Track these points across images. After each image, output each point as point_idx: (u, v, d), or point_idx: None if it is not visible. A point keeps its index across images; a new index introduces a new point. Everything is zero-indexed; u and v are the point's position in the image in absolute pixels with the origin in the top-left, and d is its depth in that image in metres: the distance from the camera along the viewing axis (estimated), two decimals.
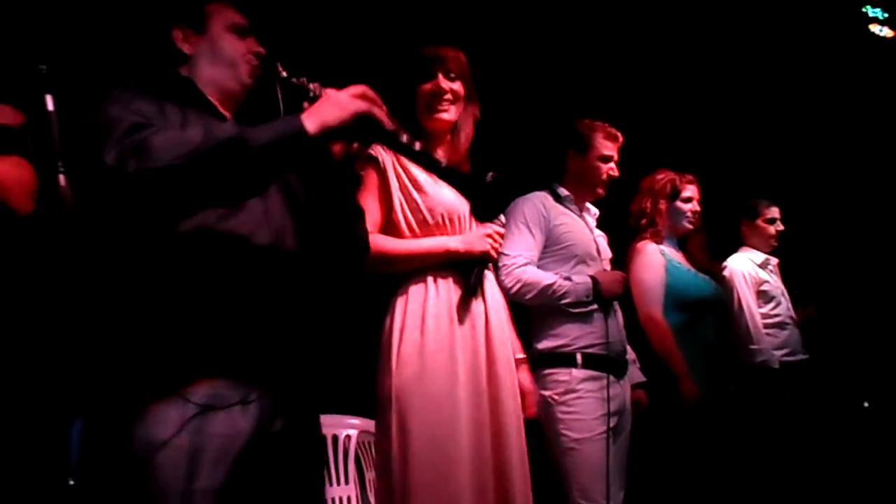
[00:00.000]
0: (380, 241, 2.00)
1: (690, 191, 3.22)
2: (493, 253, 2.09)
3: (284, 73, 1.57)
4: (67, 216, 1.16)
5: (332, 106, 1.40)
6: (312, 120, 1.37)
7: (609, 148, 2.74)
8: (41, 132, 1.20)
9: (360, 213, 1.71)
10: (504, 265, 2.47)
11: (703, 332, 3.11)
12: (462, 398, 1.92)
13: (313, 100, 1.48)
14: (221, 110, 1.65)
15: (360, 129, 1.42)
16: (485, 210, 1.57)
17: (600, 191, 2.77)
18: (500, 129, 2.41)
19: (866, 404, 4.62)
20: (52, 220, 1.26)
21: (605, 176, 2.74)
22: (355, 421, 2.82)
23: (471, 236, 2.07)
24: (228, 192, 1.38)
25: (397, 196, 2.08)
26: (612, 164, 2.75)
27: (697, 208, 3.22)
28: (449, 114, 2.15)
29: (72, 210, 1.16)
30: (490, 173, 1.51)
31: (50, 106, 1.21)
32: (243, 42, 1.68)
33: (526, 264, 2.53)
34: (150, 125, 1.37)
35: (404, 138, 1.47)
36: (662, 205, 3.18)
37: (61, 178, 1.16)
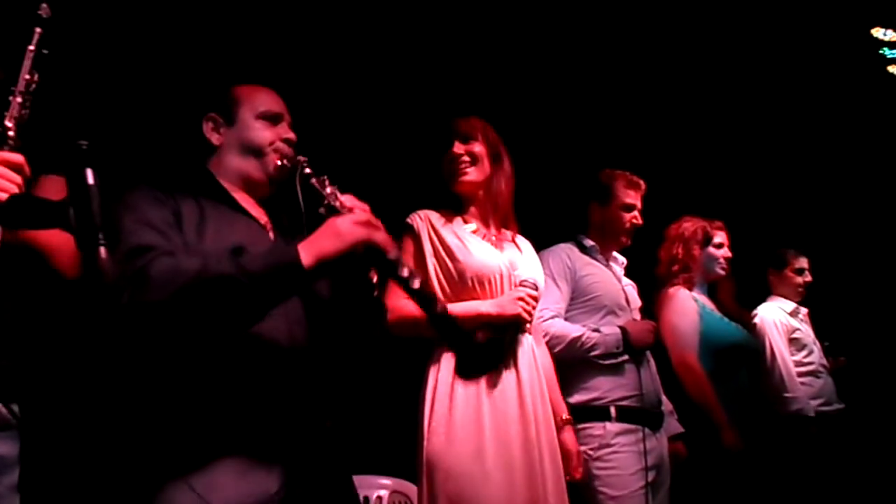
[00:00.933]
0: (412, 307, 1.96)
1: (721, 237, 3.22)
2: (525, 315, 2.08)
3: (308, 170, 1.60)
4: (108, 288, 1.18)
5: (331, 236, 1.41)
6: (309, 251, 1.39)
7: (631, 196, 2.75)
8: (82, 205, 1.23)
9: (373, 285, 1.68)
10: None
11: (738, 380, 3.07)
12: (490, 467, 1.93)
13: (328, 208, 1.51)
14: (244, 204, 1.66)
15: (358, 258, 1.43)
16: (469, 366, 1.53)
17: (625, 239, 2.77)
18: (524, 180, 2.43)
19: None
20: (93, 291, 1.28)
21: (628, 225, 2.74)
22: (387, 481, 2.80)
23: (503, 300, 2.08)
24: (223, 325, 1.40)
25: (431, 262, 2.13)
26: (636, 213, 2.76)
27: (729, 254, 3.22)
28: (470, 175, 2.21)
29: (112, 282, 1.18)
30: (481, 332, 1.47)
31: (90, 180, 1.24)
32: (273, 129, 1.69)
33: (553, 317, 2.52)
34: (152, 248, 1.40)
35: (404, 272, 1.47)
36: (696, 251, 3.17)
37: (102, 250, 1.18)
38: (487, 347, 1.51)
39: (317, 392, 1.54)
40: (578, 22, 3.61)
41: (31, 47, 1.37)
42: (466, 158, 2.21)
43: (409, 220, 2.19)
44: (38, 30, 1.37)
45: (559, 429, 2.18)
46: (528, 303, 2.09)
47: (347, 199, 1.56)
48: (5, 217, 1.23)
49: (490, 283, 2.11)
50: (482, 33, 3.52)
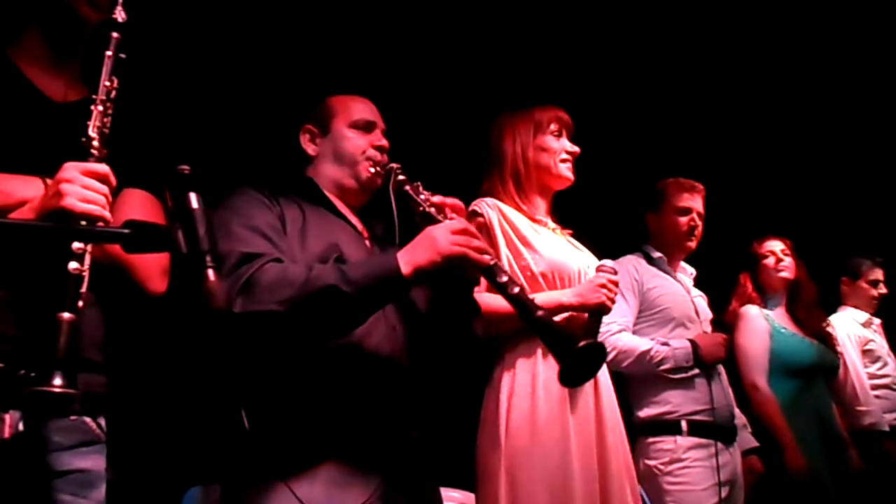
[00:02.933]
0: (489, 300, 1.88)
1: (769, 246, 3.18)
2: (608, 303, 1.98)
3: (402, 177, 1.62)
4: (217, 311, 1.22)
5: (427, 248, 1.46)
6: (407, 261, 1.45)
7: (685, 199, 2.72)
8: (187, 230, 1.27)
9: (476, 310, 1.71)
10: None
11: (815, 400, 3.03)
12: (576, 470, 1.86)
13: (423, 217, 1.54)
14: (343, 209, 1.72)
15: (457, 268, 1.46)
16: (572, 375, 1.50)
17: (689, 244, 2.72)
18: (590, 192, 2.42)
19: None
20: (201, 315, 1.33)
21: (685, 228, 2.70)
22: (456, 494, 2.80)
23: (583, 288, 1.98)
24: (327, 333, 1.48)
25: (505, 253, 2.01)
26: (693, 216, 2.71)
27: (782, 258, 3.15)
28: (571, 174, 2.17)
29: (222, 305, 1.22)
30: (583, 341, 1.46)
31: (195, 204, 1.28)
32: (366, 137, 1.75)
33: (620, 331, 2.50)
34: (260, 255, 1.46)
35: (503, 278, 1.49)
36: (744, 277, 3.19)
37: (210, 273, 1.22)
38: (589, 351, 1.50)
39: (409, 400, 1.58)
40: (634, 34, 3.59)
41: (109, 52, 1.35)
42: (569, 157, 2.13)
43: (475, 207, 2.05)
44: (114, 34, 1.36)
45: None
46: (609, 290, 1.98)
47: (439, 200, 1.59)
48: (122, 241, 1.27)
49: (570, 279, 2.03)
50: (544, 38, 3.53)
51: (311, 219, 1.63)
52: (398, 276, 1.43)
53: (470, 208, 2.05)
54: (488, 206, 2.06)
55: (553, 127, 2.14)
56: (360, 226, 1.74)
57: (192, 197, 1.40)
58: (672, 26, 3.58)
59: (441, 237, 1.47)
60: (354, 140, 1.75)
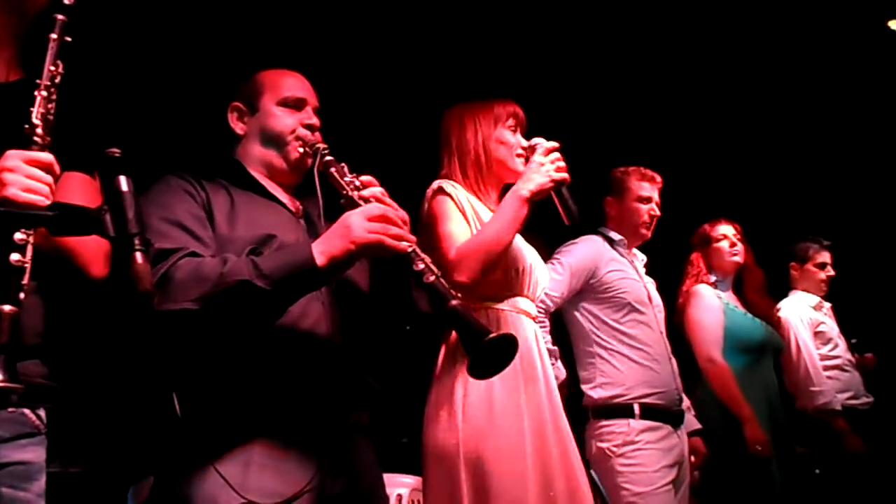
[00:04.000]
0: (468, 243, 1.90)
1: (720, 230, 3.22)
2: (562, 174, 1.94)
3: (328, 158, 1.59)
4: (144, 295, 1.20)
5: (342, 237, 1.43)
6: (321, 251, 1.42)
7: (646, 189, 2.76)
8: (116, 212, 1.24)
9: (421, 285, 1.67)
10: None
11: (763, 377, 3.08)
12: (528, 454, 1.85)
13: (347, 200, 1.52)
14: (273, 192, 1.67)
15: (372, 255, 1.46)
16: (482, 367, 1.47)
17: (644, 232, 2.76)
18: None
19: None
20: (128, 297, 1.30)
21: (646, 217, 2.74)
22: (405, 479, 2.80)
23: (530, 178, 1.93)
24: (244, 326, 1.45)
25: (474, 228, 2.01)
26: (653, 206, 2.75)
27: (735, 242, 3.20)
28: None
29: (149, 288, 1.20)
30: (492, 334, 1.44)
31: (124, 187, 1.26)
32: (296, 115, 1.68)
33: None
34: (177, 250, 1.44)
35: (419, 265, 1.46)
36: (696, 256, 3.22)
37: (138, 255, 1.20)
38: (501, 344, 1.47)
39: (348, 382, 1.55)
40: (595, 20, 3.62)
41: (54, 36, 1.29)
42: (523, 153, 2.11)
43: (441, 185, 2.03)
44: (59, 17, 1.30)
45: None
46: (552, 161, 1.95)
47: (367, 181, 1.55)
48: (48, 224, 1.24)
49: (522, 271, 2.02)
50: (498, 27, 3.53)
51: (239, 203, 1.58)
52: (313, 267, 1.41)
53: (436, 185, 2.04)
54: (452, 186, 2.04)
55: (510, 122, 2.13)
56: (293, 206, 1.69)
57: (122, 180, 1.37)
58: (624, 14, 3.61)
59: (356, 225, 1.44)
60: (283, 119, 1.68)
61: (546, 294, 2.47)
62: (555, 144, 1.98)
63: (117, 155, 1.35)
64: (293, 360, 1.49)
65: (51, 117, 1.28)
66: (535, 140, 2.03)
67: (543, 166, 1.95)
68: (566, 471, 1.89)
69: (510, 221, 1.91)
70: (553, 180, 1.93)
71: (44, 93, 1.28)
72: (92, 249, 1.42)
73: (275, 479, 1.41)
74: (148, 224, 1.43)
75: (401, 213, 1.54)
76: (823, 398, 3.40)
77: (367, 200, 1.52)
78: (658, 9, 3.62)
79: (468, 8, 3.41)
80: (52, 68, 1.31)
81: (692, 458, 2.72)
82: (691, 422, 2.81)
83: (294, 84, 1.72)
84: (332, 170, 1.58)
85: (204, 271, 1.42)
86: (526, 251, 2.10)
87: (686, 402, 2.81)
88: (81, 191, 1.42)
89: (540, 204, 2.00)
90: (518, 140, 2.12)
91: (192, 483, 1.41)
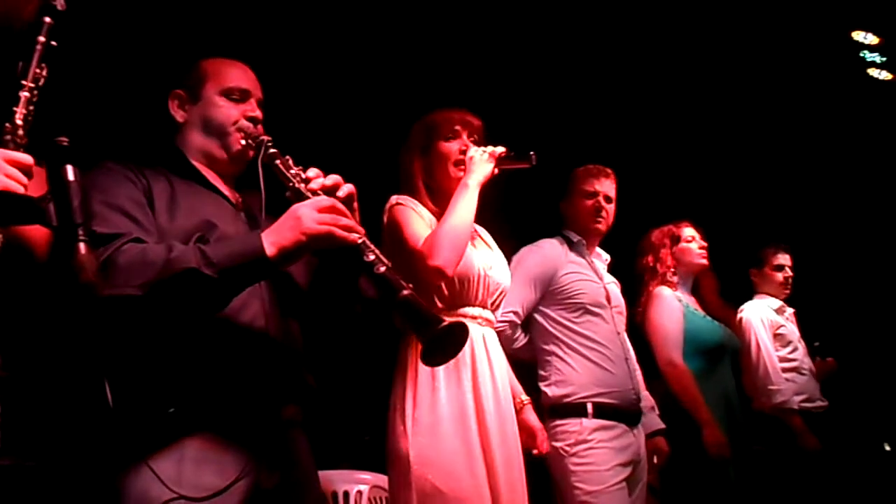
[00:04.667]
0: (433, 233, 2.00)
1: (689, 231, 3.26)
2: (498, 150, 2.09)
3: (272, 150, 1.58)
4: (86, 285, 1.19)
5: (292, 228, 1.42)
6: (272, 242, 1.40)
7: (590, 184, 2.77)
8: (62, 202, 1.23)
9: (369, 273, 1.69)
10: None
11: (722, 379, 3.11)
12: (476, 456, 1.94)
13: (294, 192, 1.50)
14: (214, 180, 1.65)
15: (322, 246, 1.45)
16: (434, 355, 1.50)
17: (596, 226, 2.75)
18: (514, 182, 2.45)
19: (888, 447, 4.56)
20: (69, 286, 1.29)
21: (590, 210, 2.74)
22: (367, 476, 2.81)
23: (473, 170, 2.07)
24: (189, 315, 1.43)
25: None
26: (599, 199, 2.75)
27: (704, 244, 3.25)
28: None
29: (92, 279, 1.19)
30: (443, 322, 1.46)
31: (70, 176, 1.25)
32: (239, 107, 1.66)
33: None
34: (120, 235, 1.42)
35: (369, 256, 1.46)
36: (666, 254, 3.21)
37: (81, 246, 1.19)
38: (452, 332, 1.50)
39: (286, 378, 1.54)
40: (558, 26, 3.65)
41: (42, 38, 1.30)
42: (461, 156, 2.16)
43: (398, 199, 2.12)
44: (47, 20, 1.31)
45: (519, 411, 2.22)
46: (484, 151, 2.10)
47: (314, 174, 1.54)
48: None
49: (467, 281, 2.08)
50: (462, 31, 3.55)
51: (180, 192, 1.56)
52: (263, 257, 1.40)
53: (393, 200, 2.12)
54: (409, 201, 2.12)
55: (454, 130, 2.18)
56: (233, 197, 1.68)
57: (69, 169, 1.37)
58: (589, 22, 3.64)
59: (306, 216, 1.43)
60: (225, 109, 1.66)
61: (507, 310, 2.51)
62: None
63: (65, 144, 1.34)
64: (229, 354, 1.47)
65: (31, 119, 1.29)
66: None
67: (479, 156, 2.08)
68: (508, 477, 1.97)
69: (465, 208, 2.03)
70: (493, 163, 2.09)
71: (26, 93, 1.28)
72: (35, 237, 1.41)
73: (208, 472, 1.40)
74: (89, 208, 1.42)
75: (350, 189, 1.54)
76: (781, 396, 3.45)
77: (315, 193, 1.51)
78: (622, 17, 3.65)
79: (425, 13, 3.41)
80: (38, 70, 1.31)
81: (654, 459, 2.75)
82: (654, 421, 2.82)
83: (238, 75, 1.70)
84: (277, 161, 1.57)
85: (149, 257, 1.39)
86: (477, 258, 2.13)
87: (650, 402, 2.84)
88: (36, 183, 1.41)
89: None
90: (458, 147, 2.17)
91: (124, 478, 1.39)
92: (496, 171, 2.10)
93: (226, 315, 1.47)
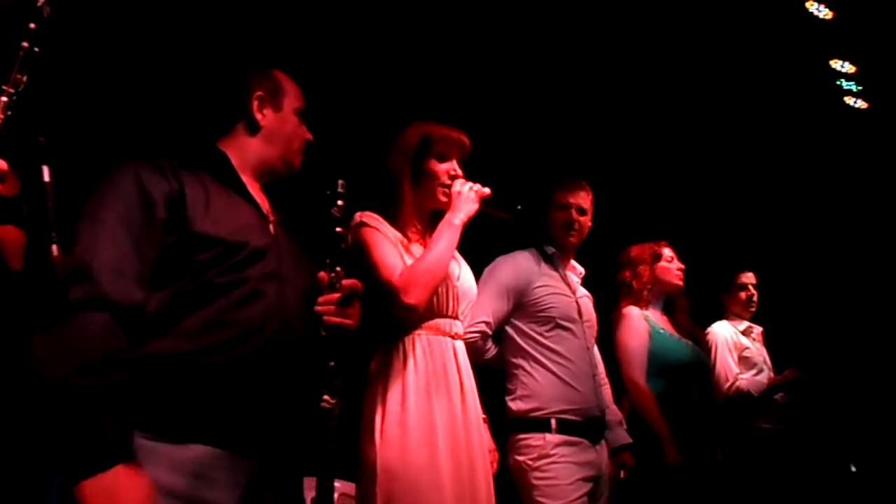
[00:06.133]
0: (412, 268, 2.01)
1: (669, 252, 3.32)
2: (483, 191, 2.12)
3: (340, 202, 1.62)
4: (58, 284, 1.21)
5: None
6: None
7: (564, 197, 2.80)
8: (37, 202, 1.25)
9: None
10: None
11: (687, 397, 3.15)
12: (443, 468, 1.96)
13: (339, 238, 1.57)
14: (254, 191, 1.66)
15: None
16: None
17: (569, 239, 2.78)
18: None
19: (854, 468, 4.63)
20: (41, 286, 1.30)
21: (562, 222, 2.77)
22: (336, 484, 2.81)
23: (458, 208, 2.10)
24: None
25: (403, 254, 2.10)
26: (572, 211, 2.77)
27: (681, 265, 3.31)
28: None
29: (63, 279, 1.21)
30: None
31: (46, 177, 1.26)
32: (302, 128, 1.74)
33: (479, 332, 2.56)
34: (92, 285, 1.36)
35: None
36: (645, 271, 3.26)
37: (54, 248, 1.21)
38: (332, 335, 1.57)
39: (299, 397, 1.55)
40: (541, 41, 3.69)
41: (25, 44, 1.32)
42: (448, 180, 2.16)
43: (363, 219, 2.11)
44: (32, 25, 1.32)
45: None
46: (471, 188, 2.12)
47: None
48: None
49: (440, 294, 2.10)
50: (443, 44, 3.58)
51: (214, 196, 1.55)
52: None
53: (357, 218, 2.12)
54: (373, 218, 2.13)
55: (448, 150, 2.19)
56: (265, 207, 1.69)
57: (45, 170, 1.38)
58: (572, 36, 3.69)
59: None
60: (297, 128, 1.73)
61: (478, 320, 2.54)
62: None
63: (42, 144, 1.35)
64: (245, 371, 1.48)
65: (6, 123, 1.30)
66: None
67: (466, 193, 2.11)
68: (474, 491, 2.00)
69: (447, 247, 2.06)
70: (478, 203, 2.12)
71: (4, 98, 1.29)
72: (15, 245, 1.42)
73: (205, 486, 1.40)
74: (78, 234, 1.39)
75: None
76: (744, 384, 3.57)
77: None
78: (606, 36, 3.70)
79: (405, 24, 3.45)
80: (19, 76, 1.32)
81: (621, 473, 2.78)
82: (621, 436, 2.85)
83: (303, 97, 1.77)
84: (336, 208, 1.63)
85: (87, 345, 1.33)
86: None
87: (618, 416, 2.87)
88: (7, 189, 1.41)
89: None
90: (446, 168, 2.18)
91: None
92: (478, 210, 2.13)
93: (240, 334, 1.47)
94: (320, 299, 1.55)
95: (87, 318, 1.33)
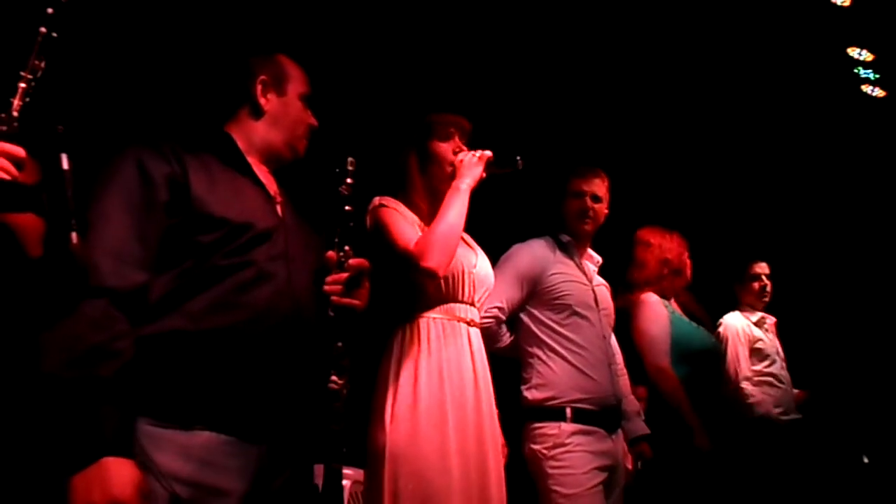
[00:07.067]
0: (426, 235, 2.05)
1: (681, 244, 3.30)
2: (486, 155, 2.16)
3: (349, 180, 1.63)
4: (79, 272, 1.21)
5: None
6: None
7: (578, 184, 2.78)
8: (56, 190, 1.25)
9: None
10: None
11: (708, 384, 3.15)
12: (452, 454, 1.97)
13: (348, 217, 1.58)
14: (260, 173, 1.66)
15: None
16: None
17: (584, 227, 2.76)
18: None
19: (866, 460, 4.61)
20: (62, 273, 1.31)
21: (576, 210, 2.76)
22: (348, 471, 2.82)
23: (464, 174, 2.12)
24: None
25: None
26: (586, 199, 2.75)
27: (688, 261, 3.30)
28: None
29: (83, 266, 1.21)
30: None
31: (65, 165, 1.26)
32: (308, 113, 1.74)
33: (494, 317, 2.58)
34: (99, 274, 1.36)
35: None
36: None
37: (74, 235, 1.21)
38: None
39: (307, 385, 1.55)
40: (554, 29, 3.67)
41: (43, 29, 1.32)
42: (453, 157, 2.20)
43: (382, 202, 2.16)
44: (49, 10, 1.32)
45: None
46: (473, 154, 2.17)
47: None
48: None
49: (453, 278, 2.13)
50: (453, 33, 3.57)
51: (219, 178, 1.55)
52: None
53: (376, 202, 2.16)
54: (391, 202, 2.16)
55: (449, 131, 2.24)
56: (272, 188, 1.69)
57: (63, 158, 1.38)
58: (584, 24, 3.67)
59: None
60: (302, 113, 1.73)
61: (492, 305, 2.53)
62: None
63: (61, 132, 1.35)
64: (253, 356, 1.48)
65: (24, 109, 1.30)
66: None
67: (469, 160, 2.16)
68: (484, 478, 2.01)
69: (458, 211, 2.08)
70: (482, 167, 2.15)
71: (23, 85, 1.30)
72: (35, 232, 1.42)
73: (211, 473, 1.40)
74: (88, 213, 1.40)
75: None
76: (761, 408, 3.53)
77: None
78: (619, 25, 3.68)
79: (415, 13, 3.43)
80: (37, 62, 1.32)
81: (639, 464, 2.77)
82: (639, 426, 2.84)
83: (309, 82, 1.77)
84: (345, 186, 1.65)
85: (86, 340, 1.33)
86: (464, 255, 2.17)
87: (636, 406, 2.86)
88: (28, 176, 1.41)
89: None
90: (452, 148, 2.22)
91: None
92: (484, 174, 2.15)
93: (249, 317, 1.47)
94: (328, 279, 1.56)
95: (84, 307, 1.34)
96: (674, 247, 3.28)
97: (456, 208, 2.07)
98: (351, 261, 1.58)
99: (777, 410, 3.58)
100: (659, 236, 3.31)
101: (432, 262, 1.98)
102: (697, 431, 2.92)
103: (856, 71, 4.44)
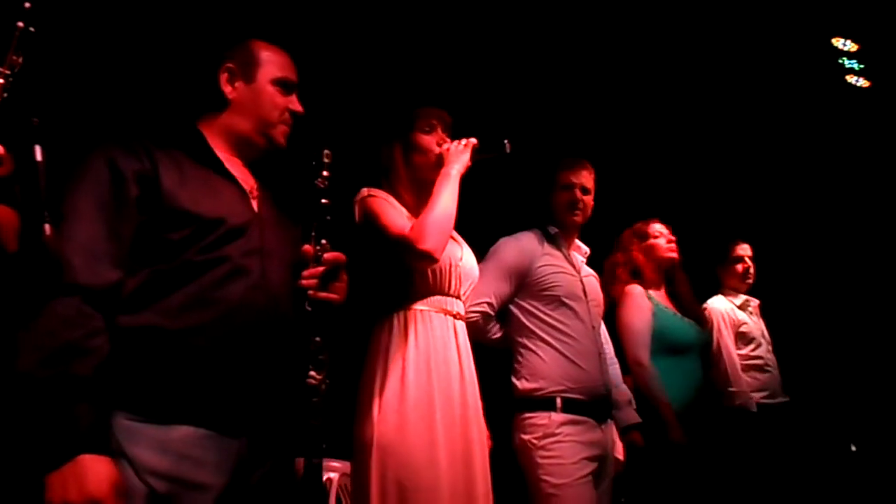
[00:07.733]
0: (421, 219, 2.04)
1: (656, 228, 3.29)
2: (472, 141, 2.17)
3: (325, 172, 1.60)
4: (52, 263, 1.20)
5: None
6: None
7: (566, 177, 2.77)
8: (30, 182, 1.23)
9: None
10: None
11: (691, 376, 3.14)
12: (440, 447, 1.97)
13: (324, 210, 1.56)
14: (230, 167, 1.62)
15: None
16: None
17: (573, 218, 2.75)
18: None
19: (854, 448, 4.63)
20: (36, 265, 1.29)
21: (565, 202, 2.75)
22: (336, 464, 2.81)
23: (452, 161, 2.13)
24: None
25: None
26: (575, 191, 2.75)
27: (672, 237, 3.28)
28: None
29: (56, 258, 1.20)
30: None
31: (38, 157, 1.24)
32: (285, 98, 1.67)
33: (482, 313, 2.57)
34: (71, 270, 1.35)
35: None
36: (635, 251, 3.25)
37: (47, 227, 1.19)
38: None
39: (282, 376, 1.54)
40: (540, 22, 3.66)
41: (20, 24, 1.31)
42: (437, 148, 2.20)
43: (369, 192, 2.15)
44: (27, 5, 1.31)
45: None
46: (458, 143, 2.18)
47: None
48: None
49: (441, 270, 2.13)
50: (451, 27, 3.55)
51: (191, 176, 1.53)
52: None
53: (364, 192, 2.15)
54: (380, 193, 2.16)
55: (431, 123, 2.23)
56: (248, 182, 1.66)
57: (37, 149, 1.36)
58: (571, 15, 3.66)
59: None
60: (277, 100, 1.66)
61: (481, 300, 2.54)
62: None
63: (35, 124, 1.34)
64: (229, 349, 1.47)
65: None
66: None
67: (456, 147, 2.16)
68: (469, 470, 2.01)
69: (450, 196, 2.08)
70: (469, 154, 2.16)
71: (0, 80, 1.28)
72: (9, 226, 1.40)
73: (189, 466, 1.39)
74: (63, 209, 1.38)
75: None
76: (739, 399, 3.51)
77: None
78: (605, 15, 3.67)
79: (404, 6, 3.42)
80: (15, 57, 1.31)
81: (628, 451, 2.77)
82: (630, 415, 2.85)
83: (289, 66, 1.71)
84: (321, 179, 1.62)
85: (60, 336, 1.32)
86: (450, 249, 2.16)
87: (627, 396, 2.87)
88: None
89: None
90: (435, 140, 2.23)
91: None
92: (471, 162, 2.16)
93: (228, 310, 1.46)
94: (304, 273, 1.54)
95: (56, 305, 1.33)
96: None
97: (448, 193, 2.07)
98: (327, 254, 1.57)
99: (761, 395, 3.57)
100: (615, 244, 3.33)
101: (429, 244, 1.98)
102: (672, 426, 2.92)
103: (840, 61, 4.45)
